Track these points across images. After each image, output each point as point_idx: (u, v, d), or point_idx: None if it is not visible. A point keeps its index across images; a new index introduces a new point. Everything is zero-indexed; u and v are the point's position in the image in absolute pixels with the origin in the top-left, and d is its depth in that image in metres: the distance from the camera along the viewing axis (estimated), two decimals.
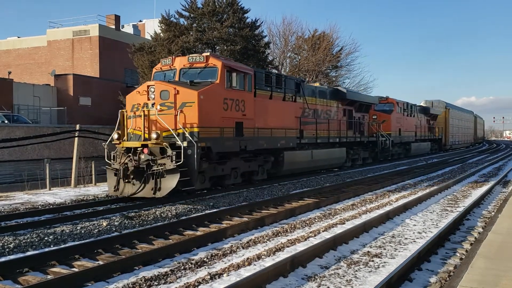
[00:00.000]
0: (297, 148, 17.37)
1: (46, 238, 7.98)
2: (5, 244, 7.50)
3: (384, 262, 6.89)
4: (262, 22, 39.26)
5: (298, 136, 17.37)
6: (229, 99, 13.27)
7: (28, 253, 7.15)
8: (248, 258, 6.83)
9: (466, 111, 60.39)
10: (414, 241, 8.21)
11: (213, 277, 6.00)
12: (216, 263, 6.74)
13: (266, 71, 17.46)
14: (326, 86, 22.29)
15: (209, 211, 10.92)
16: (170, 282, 5.89)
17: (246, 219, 10.00)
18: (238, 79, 13.68)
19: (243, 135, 13.87)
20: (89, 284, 5.85)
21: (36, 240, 7.86)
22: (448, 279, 5.99)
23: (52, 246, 7.68)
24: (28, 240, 7.81)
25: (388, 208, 11.40)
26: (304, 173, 18.91)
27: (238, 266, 6.48)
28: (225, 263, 6.71)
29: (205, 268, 6.48)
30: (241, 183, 14.64)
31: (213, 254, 7.15)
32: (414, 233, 8.91)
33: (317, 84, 21.82)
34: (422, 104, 42.26)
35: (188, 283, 5.78)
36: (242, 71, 14.02)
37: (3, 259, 6.82)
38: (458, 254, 7.29)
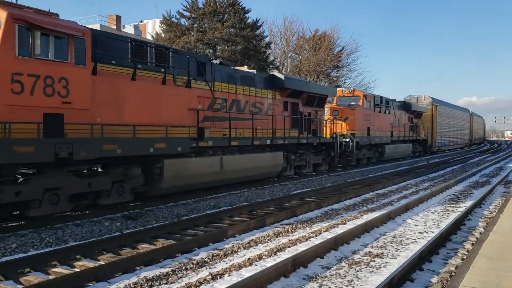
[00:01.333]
0: (192, 154, 12.58)
1: (47, 238, 7.99)
2: (7, 244, 7.51)
3: (386, 262, 6.88)
4: (263, 22, 39.34)
5: (195, 137, 12.57)
6: (27, 75, 8.50)
7: (30, 253, 7.15)
8: (249, 258, 6.83)
9: (459, 108, 53.64)
10: (416, 241, 8.20)
11: (214, 277, 6.00)
12: (217, 263, 6.74)
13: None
14: (255, 71, 16.70)
15: (210, 211, 10.93)
16: (172, 282, 5.89)
17: (247, 219, 9.99)
18: (52, 42, 8.96)
19: (65, 135, 9.07)
20: (91, 284, 5.85)
21: (38, 240, 7.87)
22: (449, 279, 5.99)
23: (53, 246, 7.68)
24: (30, 240, 7.82)
25: (389, 208, 11.39)
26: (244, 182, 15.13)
27: (239, 266, 6.48)
28: (226, 263, 6.71)
29: (206, 268, 6.48)
30: (75, 215, 10.01)
31: (214, 254, 7.15)
32: (415, 233, 8.90)
33: (244, 68, 17.15)
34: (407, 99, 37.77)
35: (189, 283, 5.78)
36: (58, 30, 9.02)
37: (4, 259, 6.82)
38: (459, 254, 7.28)
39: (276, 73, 19.06)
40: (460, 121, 50.65)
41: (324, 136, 20.70)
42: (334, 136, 20.79)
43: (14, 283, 5.97)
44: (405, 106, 32.65)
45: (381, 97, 27.44)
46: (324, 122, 21.00)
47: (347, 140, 21.96)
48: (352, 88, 27.72)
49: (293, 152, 17.95)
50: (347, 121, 23.15)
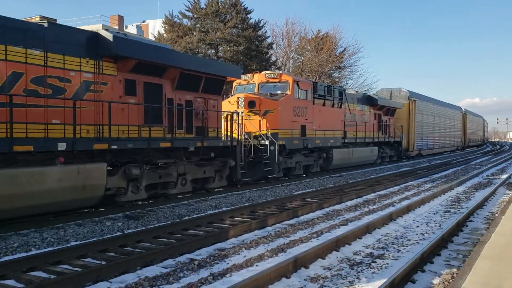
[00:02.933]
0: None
1: (49, 238, 8.00)
2: (9, 243, 7.53)
3: (387, 264, 6.87)
4: (265, 23, 39.36)
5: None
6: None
7: (31, 253, 7.16)
8: (250, 259, 6.83)
9: (448, 105, 45.15)
10: (417, 243, 8.19)
11: (215, 277, 6.00)
12: (218, 263, 6.73)
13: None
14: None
15: (211, 212, 10.93)
16: (173, 282, 5.89)
17: (249, 219, 9.99)
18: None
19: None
20: (92, 284, 5.86)
21: (39, 239, 7.88)
22: (451, 280, 5.97)
23: (55, 245, 7.69)
24: (31, 239, 7.83)
25: (391, 209, 11.38)
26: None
27: (241, 267, 6.48)
28: (228, 263, 6.71)
29: (208, 268, 6.48)
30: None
31: (216, 255, 7.15)
32: (417, 234, 8.88)
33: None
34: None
35: (190, 283, 5.78)
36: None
37: (6, 258, 6.83)
38: (461, 256, 7.27)
39: (100, 31, 10.60)
40: (449, 120, 43.92)
41: (222, 136, 14.67)
42: (234, 138, 14.64)
43: (16, 282, 5.98)
44: (370, 100, 26.18)
45: (328, 86, 21.25)
46: (227, 116, 14.82)
47: (267, 142, 15.97)
48: (280, 72, 21.72)
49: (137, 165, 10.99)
50: (267, 116, 16.65)
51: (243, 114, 15.97)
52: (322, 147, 20.06)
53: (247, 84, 18.42)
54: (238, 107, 16.31)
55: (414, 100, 32.99)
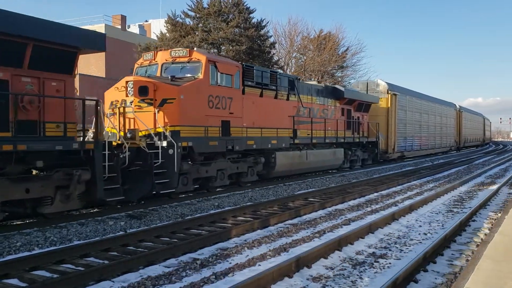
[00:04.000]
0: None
1: (52, 237, 8.02)
2: (12, 242, 7.55)
3: (390, 263, 6.87)
4: (267, 22, 39.29)
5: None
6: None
7: (34, 252, 7.18)
8: (253, 258, 6.83)
9: (438, 101, 39.83)
10: (420, 242, 8.18)
11: (218, 277, 6.00)
12: (220, 263, 6.73)
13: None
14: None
15: (214, 211, 10.93)
16: (175, 282, 5.89)
17: (251, 219, 9.99)
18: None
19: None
20: (95, 283, 5.87)
21: (42, 238, 7.90)
22: (454, 280, 5.96)
23: (58, 244, 7.71)
24: (34, 238, 7.85)
25: (393, 209, 11.37)
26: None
27: (243, 266, 6.48)
28: (230, 263, 6.71)
29: (210, 268, 6.48)
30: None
31: (218, 254, 7.15)
32: (419, 234, 8.87)
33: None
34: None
35: (193, 283, 5.78)
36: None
37: (9, 257, 6.85)
38: (464, 256, 7.26)
39: None
40: (440, 117, 39.18)
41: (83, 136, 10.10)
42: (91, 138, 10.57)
43: (19, 281, 5.99)
44: (334, 92, 21.51)
45: (267, 72, 16.38)
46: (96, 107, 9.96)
47: (161, 144, 11.51)
48: (192, 49, 14.67)
49: None
50: (164, 108, 12.08)
51: (132, 105, 11.86)
52: (260, 150, 15.55)
53: (149, 65, 13.82)
54: (127, 95, 12.08)
55: (395, 94, 28.17)
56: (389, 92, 27.84)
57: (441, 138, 39.54)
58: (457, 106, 46.43)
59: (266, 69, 18.38)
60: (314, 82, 21.68)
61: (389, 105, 27.60)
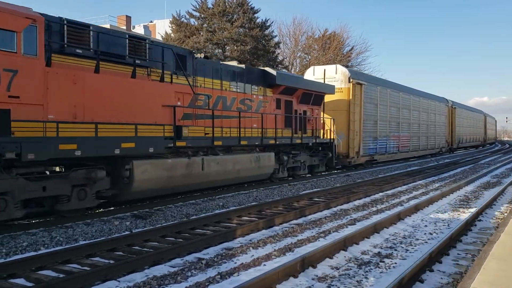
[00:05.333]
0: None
1: (58, 237, 8.06)
2: (18, 242, 7.59)
3: (395, 263, 6.85)
4: (272, 22, 39.37)
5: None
6: None
7: (40, 252, 7.21)
8: (258, 258, 6.83)
9: (425, 95, 33.83)
10: (426, 242, 8.15)
11: (223, 277, 6.01)
12: (226, 263, 6.74)
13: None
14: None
15: (219, 211, 10.94)
16: (181, 282, 5.90)
17: (256, 219, 9.99)
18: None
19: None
20: (101, 283, 5.89)
21: (48, 238, 7.94)
22: (460, 280, 5.94)
23: (64, 244, 7.74)
24: (40, 239, 7.89)
25: (399, 208, 11.33)
26: None
27: (248, 266, 6.49)
28: (235, 263, 6.71)
29: (215, 268, 6.49)
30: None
31: (223, 254, 7.16)
32: (425, 234, 8.84)
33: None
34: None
35: (198, 282, 5.79)
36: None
37: (16, 257, 6.89)
38: (470, 256, 7.22)
39: None
40: (426, 114, 33.36)
41: None
42: None
43: (25, 281, 6.02)
44: (261, 77, 15.86)
45: (126, 37, 11.01)
46: None
47: None
48: None
49: None
50: None
51: None
52: (97, 158, 9.91)
53: None
54: None
55: (359, 83, 22.61)
56: (352, 80, 22.12)
57: (428, 138, 33.80)
58: (449, 102, 40.71)
59: (117, 30, 11.74)
60: (234, 63, 15.95)
61: (350, 97, 21.97)
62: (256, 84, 15.55)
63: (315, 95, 18.75)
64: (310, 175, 19.03)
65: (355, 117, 22.14)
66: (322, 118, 19.98)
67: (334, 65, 23.23)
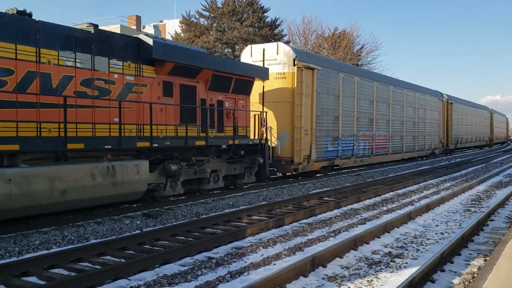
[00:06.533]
0: None
1: (69, 236, 8.13)
2: (30, 241, 7.67)
3: (406, 263, 6.81)
4: (282, 21, 39.29)
5: None
6: None
7: (52, 250, 7.28)
8: (268, 257, 6.83)
9: (409, 86, 27.90)
10: (437, 242, 8.09)
11: (233, 275, 6.02)
12: (236, 262, 6.75)
13: None
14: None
15: (229, 210, 10.96)
16: (191, 280, 5.93)
17: (266, 218, 10.00)
18: None
19: None
20: (111, 281, 5.93)
21: (60, 237, 8.01)
22: (471, 280, 5.89)
23: (75, 243, 7.81)
24: (52, 237, 7.97)
25: (410, 208, 11.27)
26: None
27: (258, 265, 6.49)
28: (245, 262, 6.72)
29: (225, 266, 6.50)
30: None
31: (233, 253, 7.17)
32: (436, 233, 8.77)
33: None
34: None
35: (208, 281, 5.81)
36: None
37: (28, 255, 6.97)
38: (482, 256, 7.16)
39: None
40: (413, 110, 27.88)
41: None
42: None
43: (38, 279, 6.09)
44: (131, 47, 10.72)
45: None
46: None
47: None
48: None
49: None
50: None
51: None
52: None
53: None
54: None
55: (311, 68, 17.17)
56: (297, 63, 16.44)
57: (415, 138, 28.29)
58: (445, 96, 34.30)
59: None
60: (82, 26, 10.18)
61: (295, 84, 16.41)
62: (120, 58, 10.47)
63: (237, 80, 13.88)
64: (246, 186, 14.83)
65: (302, 111, 16.62)
66: (251, 112, 14.95)
67: (275, 43, 17.98)
